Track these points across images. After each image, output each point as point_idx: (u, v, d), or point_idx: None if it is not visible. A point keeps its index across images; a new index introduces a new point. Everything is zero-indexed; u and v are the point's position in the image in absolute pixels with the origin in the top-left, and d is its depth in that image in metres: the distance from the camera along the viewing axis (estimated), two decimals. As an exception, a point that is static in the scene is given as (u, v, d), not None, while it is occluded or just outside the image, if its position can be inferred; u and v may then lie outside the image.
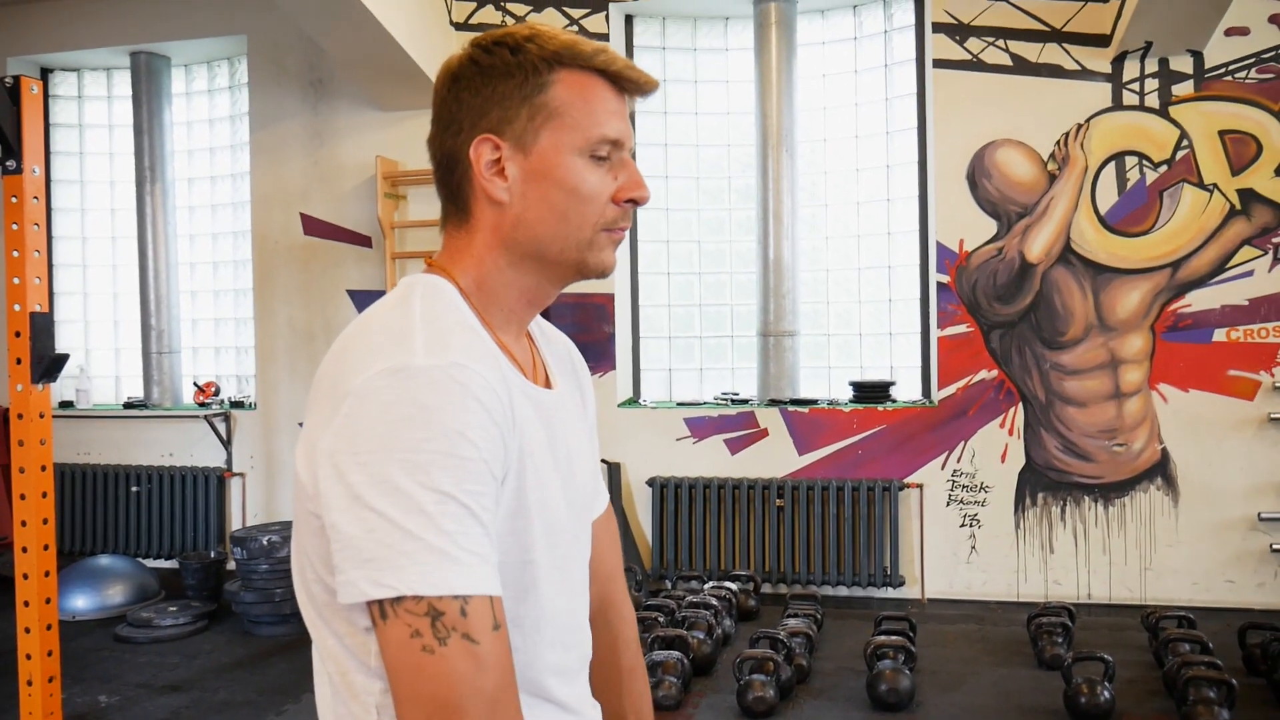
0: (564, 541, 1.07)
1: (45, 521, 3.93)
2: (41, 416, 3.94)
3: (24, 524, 3.90)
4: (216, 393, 6.73)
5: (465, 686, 0.87)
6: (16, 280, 3.92)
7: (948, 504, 5.67)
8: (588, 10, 6.06)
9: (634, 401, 6.24)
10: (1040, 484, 5.56)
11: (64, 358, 3.97)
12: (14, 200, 3.92)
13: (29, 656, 3.91)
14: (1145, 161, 5.42)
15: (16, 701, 3.99)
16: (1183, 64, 5.36)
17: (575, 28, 5.97)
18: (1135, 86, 5.42)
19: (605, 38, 6.00)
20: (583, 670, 1.16)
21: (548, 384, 1.15)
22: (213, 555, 5.94)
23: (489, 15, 6.13)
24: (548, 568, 1.03)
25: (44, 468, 3.94)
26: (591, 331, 5.98)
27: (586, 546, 1.17)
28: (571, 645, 1.12)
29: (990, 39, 5.57)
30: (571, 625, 1.12)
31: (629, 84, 1.08)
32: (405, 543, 0.86)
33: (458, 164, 1.08)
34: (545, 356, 1.19)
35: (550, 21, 5.47)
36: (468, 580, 0.87)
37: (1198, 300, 5.38)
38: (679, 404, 6.14)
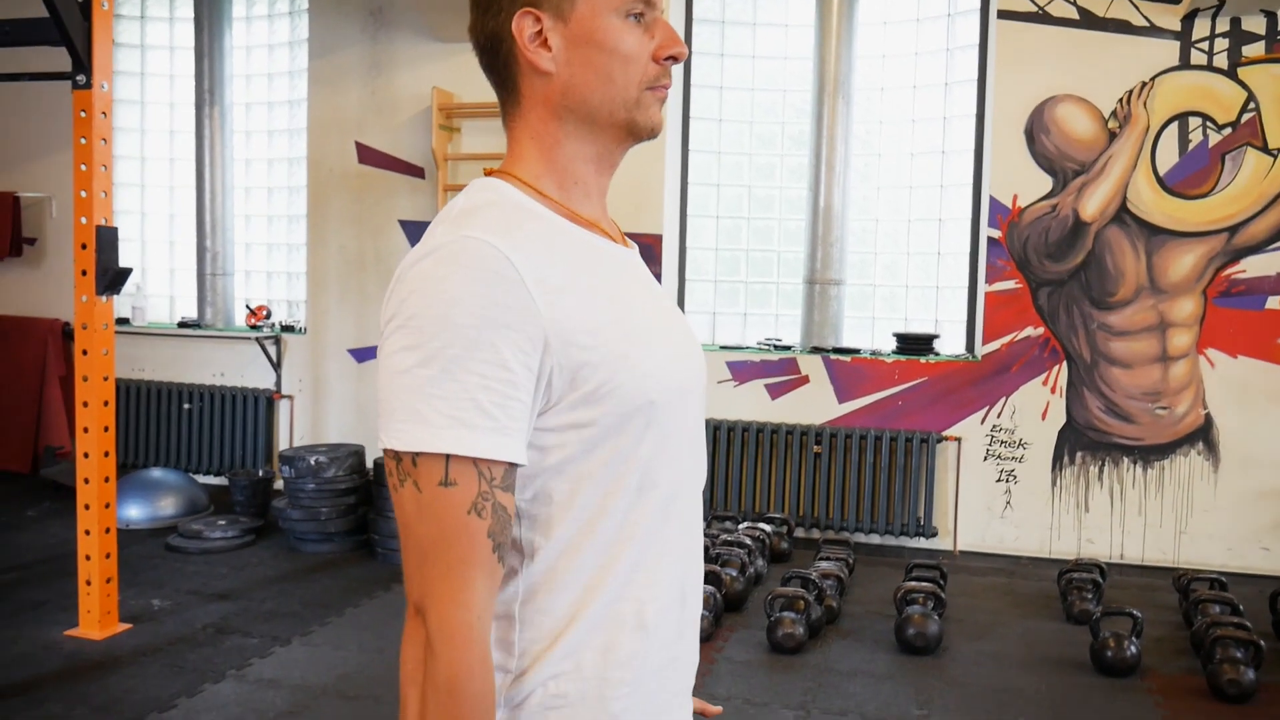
0: (681, 389, 1.11)
1: (106, 429, 4.07)
2: (105, 327, 4.07)
3: (85, 430, 4.05)
4: (268, 316, 6.86)
5: (408, 525, 0.98)
6: (84, 194, 4.03)
7: (985, 458, 5.69)
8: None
9: (677, 343, 6.29)
10: (1080, 443, 5.56)
11: (127, 271, 4.09)
12: (83, 115, 4.02)
13: (88, 558, 4.09)
14: (1209, 123, 5.33)
15: (75, 600, 4.17)
16: (1255, 24, 5.24)
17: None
18: (1204, 45, 5.31)
19: (665, -24, 5.96)
20: (700, 519, 1.21)
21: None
22: (261, 473, 6.11)
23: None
24: (667, 410, 1.07)
25: (106, 377, 4.07)
26: (638, 271, 6.01)
27: (700, 394, 1.20)
28: (694, 491, 1.17)
29: (1057, -9, 5.47)
30: (696, 470, 1.17)
31: None
32: (391, 401, 0.97)
33: (501, 43, 1.11)
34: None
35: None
36: (430, 438, 0.95)
37: (1253, 266, 5.31)
38: (722, 347, 6.18)
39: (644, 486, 1.07)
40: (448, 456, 0.95)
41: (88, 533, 4.08)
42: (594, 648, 1.05)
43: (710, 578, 4.47)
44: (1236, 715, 3.66)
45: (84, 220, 4.02)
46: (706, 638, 4.20)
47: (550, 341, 0.98)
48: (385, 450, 0.98)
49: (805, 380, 5.91)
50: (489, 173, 1.15)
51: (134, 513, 5.76)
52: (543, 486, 1.03)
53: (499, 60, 1.13)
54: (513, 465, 0.99)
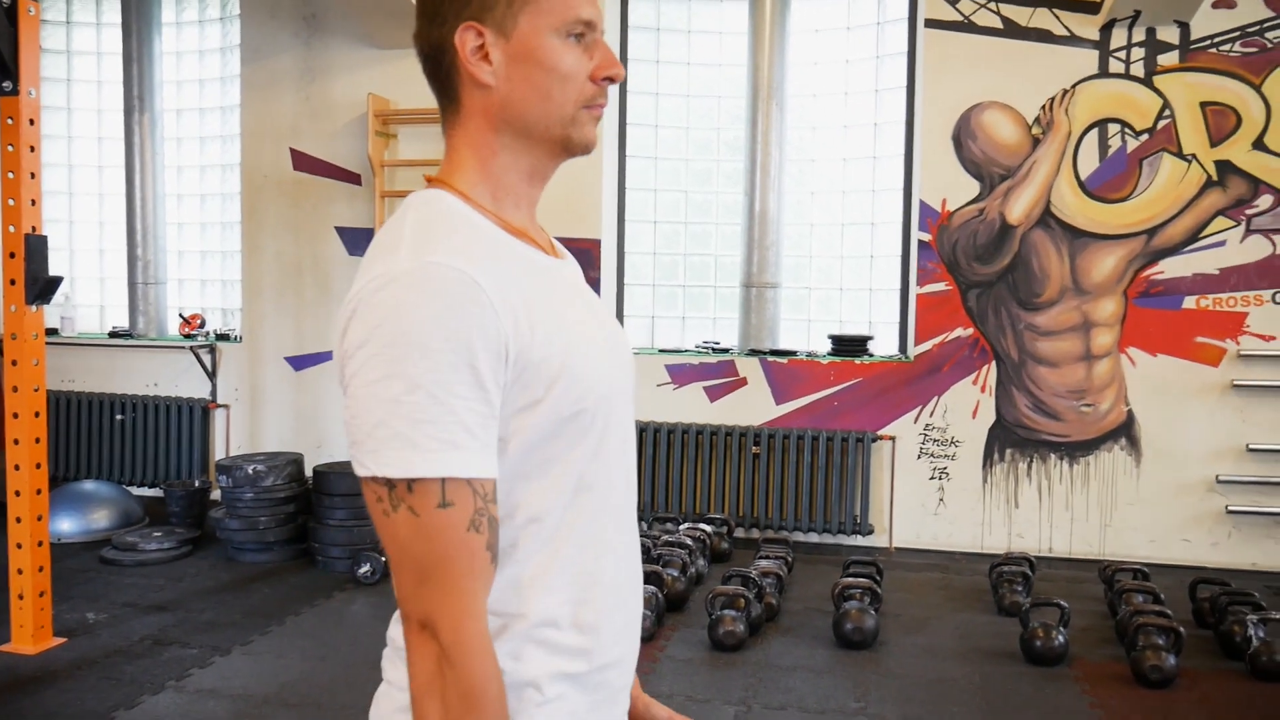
0: (611, 395, 1.15)
1: (38, 440, 4.01)
2: (35, 337, 4.01)
3: (16, 442, 3.98)
4: (202, 325, 6.77)
5: (404, 548, 1.00)
6: (11, 202, 3.97)
7: (919, 457, 5.82)
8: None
9: (616, 347, 6.33)
10: (1009, 440, 5.72)
11: (58, 280, 4.03)
12: (9, 122, 3.96)
13: (20, 571, 4.01)
14: (1127, 129, 5.52)
15: (8, 615, 4.10)
16: (1169, 34, 5.45)
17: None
18: (1122, 54, 5.51)
19: (601, -16, 6.02)
20: (634, 517, 1.25)
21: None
22: (197, 484, 6.03)
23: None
24: (602, 415, 1.12)
25: (37, 388, 4.01)
26: (577, 276, 6.05)
27: (630, 396, 1.24)
28: (627, 491, 1.21)
29: (982, 1, 5.63)
30: (628, 469, 1.21)
31: None
32: (377, 429, 0.98)
33: (444, 54, 1.15)
34: (556, 243, 1.29)
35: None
36: (425, 463, 0.98)
37: (1170, 267, 5.51)
38: (661, 350, 6.25)
39: (579, 488, 1.11)
40: (444, 480, 0.98)
41: (19, 546, 4.00)
42: (536, 643, 1.09)
43: (652, 578, 4.52)
44: (1159, 699, 3.80)
45: (12, 229, 3.96)
46: (649, 637, 4.25)
47: (510, 356, 1.02)
48: (371, 478, 0.99)
49: (743, 382, 6.00)
50: (430, 180, 1.17)
51: (66, 526, 5.65)
52: None
53: (441, 70, 1.16)
54: (495, 479, 1.03)
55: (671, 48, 6.47)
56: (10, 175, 3.95)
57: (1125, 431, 5.60)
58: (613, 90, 6.74)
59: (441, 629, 0.99)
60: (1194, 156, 5.45)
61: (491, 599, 1.06)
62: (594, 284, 6.04)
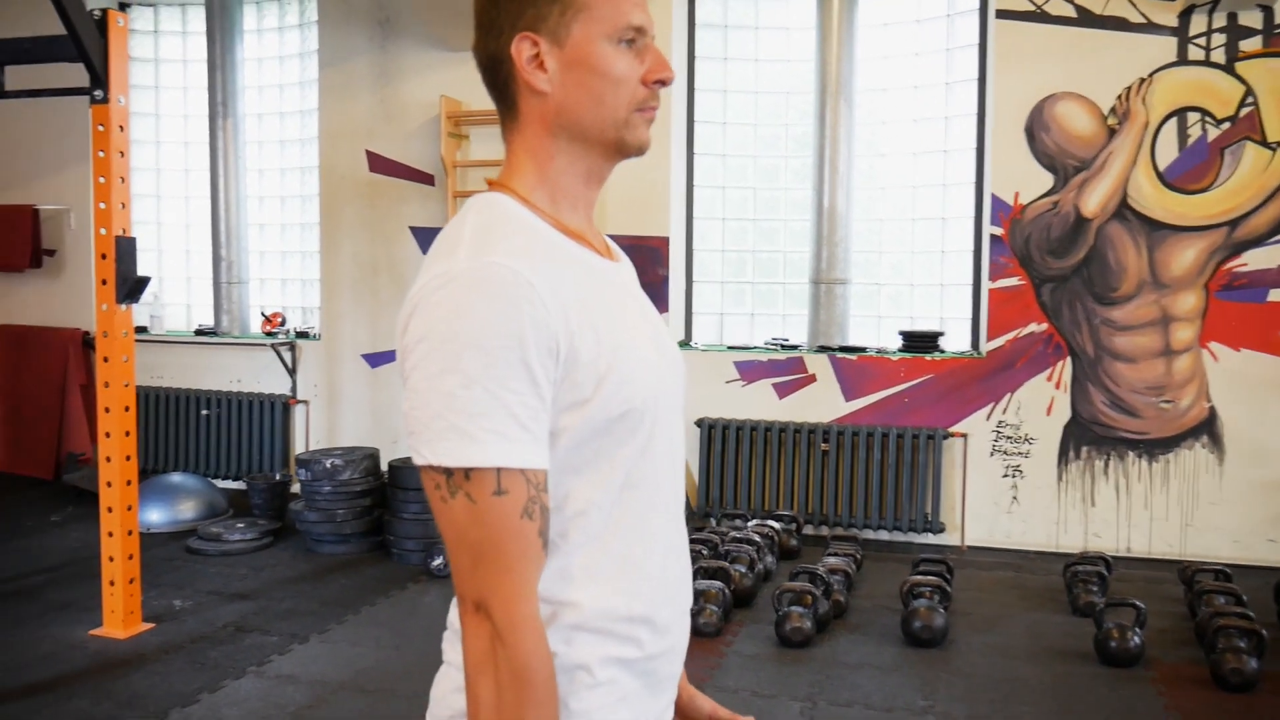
0: (660, 396, 1.19)
1: (127, 433, 4.18)
2: (125, 334, 4.17)
3: (108, 435, 4.15)
4: (283, 323, 6.97)
5: (461, 533, 1.05)
6: (103, 205, 4.14)
7: (991, 454, 5.75)
8: (652, -46, 6.09)
9: (685, 344, 6.37)
10: (1085, 437, 5.61)
11: (146, 280, 4.19)
12: (101, 129, 4.13)
13: (112, 559, 4.19)
14: (1208, 118, 5.38)
15: (99, 601, 4.28)
16: (1252, 18, 5.29)
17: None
18: (1201, 41, 5.36)
19: (669, -18, 6.05)
20: (681, 514, 1.29)
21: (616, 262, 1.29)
22: (278, 477, 6.21)
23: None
24: (650, 414, 1.16)
25: (126, 383, 4.18)
26: (645, 274, 6.10)
27: (679, 399, 1.28)
28: (674, 490, 1.25)
29: (1056, -10, 5.53)
30: (675, 467, 1.25)
31: None
32: (435, 421, 1.03)
33: (501, 64, 1.20)
34: (611, 244, 1.33)
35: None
36: (481, 454, 1.03)
37: (1254, 259, 5.35)
38: (729, 347, 6.26)
39: (626, 485, 1.15)
40: (499, 469, 1.03)
41: (110, 535, 4.18)
42: (588, 630, 1.13)
43: (720, 574, 4.54)
44: (1239, 703, 3.71)
45: (103, 231, 4.13)
46: (716, 632, 4.28)
47: (561, 354, 1.06)
48: (429, 466, 1.05)
49: (812, 379, 5.98)
50: (490, 184, 1.22)
51: (155, 516, 5.87)
52: None
53: (499, 79, 1.21)
54: (546, 470, 1.08)
55: (739, 44, 6.47)
56: (101, 180, 4.13)
57: (1207, 429, 5.45)
58: (679, 87, 6.71)
59: (495, 610, 1.04)
60: (1279, 145, 5.28)
61: (543, 587, 1.10)
62: (662, 282, 6.10)
